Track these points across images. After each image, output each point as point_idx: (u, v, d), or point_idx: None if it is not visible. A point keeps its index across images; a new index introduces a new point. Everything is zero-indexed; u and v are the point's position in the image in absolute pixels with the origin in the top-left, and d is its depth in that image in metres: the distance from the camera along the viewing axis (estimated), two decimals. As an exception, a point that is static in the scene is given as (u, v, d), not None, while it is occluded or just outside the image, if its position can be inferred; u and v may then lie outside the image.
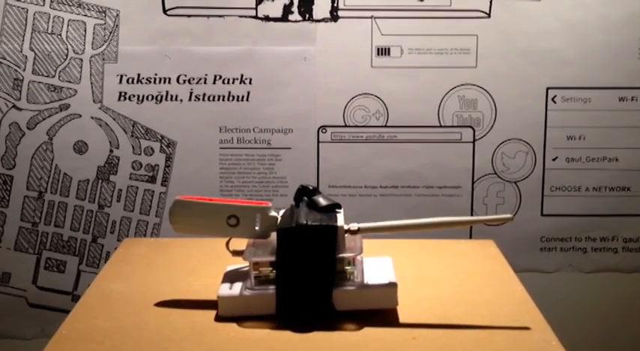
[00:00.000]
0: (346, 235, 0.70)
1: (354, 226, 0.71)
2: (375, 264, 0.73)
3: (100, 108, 1.21)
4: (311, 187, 0.75)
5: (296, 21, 1.20)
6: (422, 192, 1.26)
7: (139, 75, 1.21)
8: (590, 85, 1.23)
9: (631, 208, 1.27)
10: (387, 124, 1.24)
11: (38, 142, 1.22)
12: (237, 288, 0.70)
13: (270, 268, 0.69)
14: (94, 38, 1.19)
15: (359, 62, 1.22)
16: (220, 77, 1.21)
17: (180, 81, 1.21)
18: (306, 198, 0.74)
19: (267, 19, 1.20)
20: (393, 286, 0.69)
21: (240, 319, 0.68)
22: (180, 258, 0.86)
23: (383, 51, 1.22)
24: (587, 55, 1.22)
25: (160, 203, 1.24)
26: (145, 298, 0.74)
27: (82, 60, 1.20)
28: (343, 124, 1.24)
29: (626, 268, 1.29)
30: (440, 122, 1.24)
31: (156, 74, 1.21)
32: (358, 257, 0.70)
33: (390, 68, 1.22)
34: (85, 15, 1.19)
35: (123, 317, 0.70)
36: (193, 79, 1.21)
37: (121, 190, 1.24)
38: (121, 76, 1.21)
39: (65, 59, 1.20)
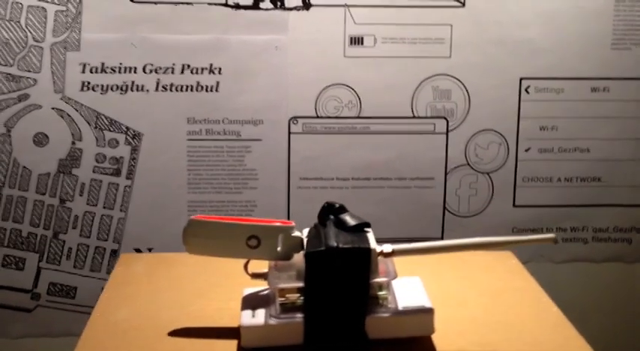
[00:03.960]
0: (379, 257, 0.70)
1: (387, 248, 0.71)
2: (405, 286, 0.74)
3: (61, 98, 1.28)
4: (337, 205, 0.76)
5: (267, 9, 1.28)
6: (394, 184, 1.36)
7: (102, 64, 1.27)
8: (564, 76, 1.35)
9: (601, 199, 1.40)
10: (360, 115, 1.34)
11: (-5, 134, 1.28)
12: (260, 316, 0.70)
13: (298, 295, 0.70)
14: (55, 25, 1.25)
15: (331, 52, 1.31)
16: (188, 67, 1.29)
17: (147, 70, 1.28)
18: (332, 216, 0.75)
19: (237, 6, 1.28)
20: (429, 312, 0.70)
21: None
22: (186, 277, 0.88)
23: (356, 40, 1.31)
24: (561, 46, 1.34)
25: (125, 197, 1.32)
26: (156, 328, 0.74)
27: (42, 48, 1.26)
28: (315, 115, 1.33)
29: (596, 258, 1.42)
30: (413, 113, 1.34)
31: (121, 63, 1.28)
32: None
33: (364, 58, 1.32)
34: (46, 1, 1.24)
35: (135, 351, 0.70)
36: (160, 68, 1.29)
37: (83, 183, 1.31)
38: (84, 65, 1.27)
39: (24, 47, 1.25)
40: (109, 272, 1.33)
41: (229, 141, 1.32)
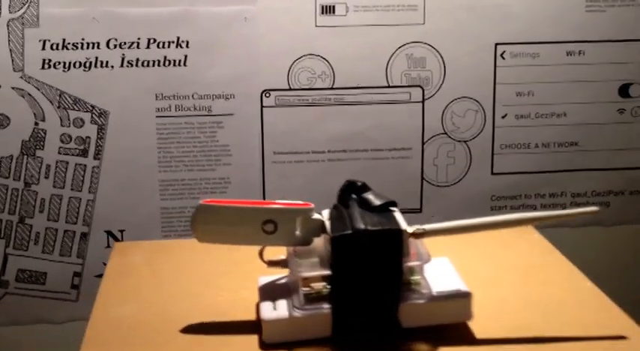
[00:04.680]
0: (410, 239, 0.65)
1: (419, 228, 0.66)
2: (435, 268, 0.68)
3: (21, 77, 1.22)
4: (359, 183, 0.71)
5: (235, -22, 1.23)
6: (371, 155, 1.33)
7: (64, 40, 1.21)
8: (539, 40, 1.33)
9: (579, 163, 1.39)
10: (334, 86, 1.30)
11: (-47, 116, 1.21)
12: (283, 308, 0.65)
13: (323, 283, 0.64)
14: (10, 0, 1.19)
15: (302, 21, 1.27)
16: (154, 41, 1.24)
17: (111, 46, 1.23)
18: (354, 196, 0.69)
19: (203, -24, 1.22)
20: (466, 296, 0.66)
21: (290, 345, 0.64)
22: (189, 266, 0.82)
23: (327, 9, 1.27)
24: (535, 9, 1.31)
25: (94, 178, 1.27)
26: (165, 323, 0.69)
27: (-2, 25, 1.19)
28: (287, 88, 1.29)
29: (574, 223, 1.41)
30: (388, 82, 1.31)
31: (83, 39, 1.22)
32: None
33: (336, 27, 1.28)
34: (0, -25, 1.18)
35: (147, 351, 0.64)
36: (125, 43, 1.23)
37: (49, 165, 1.25)
38: (44, 42, 1.21)
39: (-21, 24, 1.19)
40: (79, 256, 1.29)
41: (200, 116, 1.28)
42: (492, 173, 1.37)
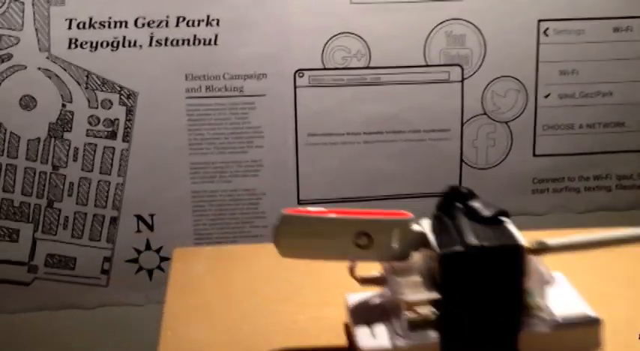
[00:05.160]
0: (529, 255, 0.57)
1: (541, 243, 0.57)
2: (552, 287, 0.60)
3: (47, 58, 1.17)
4: (465, 190, 0.62)
5: (267, -47, 1.18)
6: (408, 137, 1.28)
7: (91, 19, 1.17)
8: (584, 16, 1.26)
9: (625, 144, 1.32)
10: (370, 66, 1.24)
11: (-22, 98, 1.18)
12: (383, 336, 0.57)
13: (430, 307, 0.56)
14: (36, -22, 1.15)
15: (337, -3, 1.21)
16: (184, 19, 1.19)
17: (139, 24, 1.18)
18: (459, 204, 0.61)
19: (234, -49, 1.17)
20: (596, 324, 0.57)
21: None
22: (260, 277, 0.74)
23: (364, -16, 1.21)
24: (581, -17, 1.25)
25: (123, 161, 1.23)
26: (241, 346, 0.61)
27: (23, 3, 1.15)
28: (322, 67, 1.23)
29: (620, 206, 1.35)
30: (426, 61, 1.25)
31: (110, 17, 1.17)
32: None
33: (372, 4, 1.22)
34: (25, -49, 1.13)
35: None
36: (153, 22, 1.18)
37: (77, 148, 1.21)
38: (71, 21, 1.17)
39: (3, 3, 1.15)
40: (108, 241, 1.25)
41: (231, 97, 1.23)
42: (534, 155, 1.31)
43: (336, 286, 0.64)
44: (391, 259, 0.59)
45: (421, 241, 0.58)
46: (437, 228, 0.58)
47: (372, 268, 0.60)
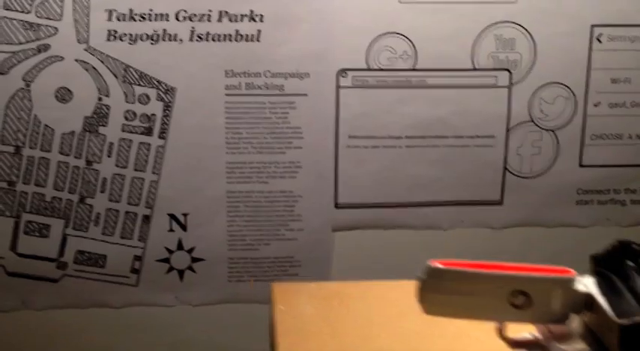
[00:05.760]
0: None
1: None
2: None
3: (85, 49, 1.14)
4: (636, 246, 0.56)
5: (315, -52, 1.14)
6: (451, 142, 1.23)
7: (131, 11, 1.13)
8: (639, 23, 1.21)
9: (675, 158, 1.28)
10: (416, 68, 1.20)
11: (13, 88, 1.14)
12: None
13: None
14: (77, -33, 1.11)
15: (385, -4, 1.17)
16: (226, 14, 1.15)
17: (180, 18, 1.14)
18: (630, 263, 0.54)
19: (281, -55, 1.13)
20: None
21: None
22: (375, 321, 0.67)
23: (413, -17, 1.16)
24: (638, -11, 1.20)
25: (158, 158, 1.19)
26: None
27: (63, -7, 1.11)
28: (366, 68, 1.19)
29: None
30: (474, 65, 1.20)
31: (151, 10, 1.13)
32: None
33: (420, 4, 1.17)
34: (67, -61, 1.10)
35: None
36: (195, 15, 1.14)
37: (112, 143, 1.18)
38: (110, 12, 1.13)
39: (43, -8, 1.11)
40: (140, 239, 1.21)
41: (272, 96, 1.19)
42: (580, 165, 1.27)
43: (459, 334, 0.58)
44: (548, 322, 0.54)
45: (586, 303, 0.53)
46: (605, 289, 0.53)
47: (523, 329, 0.55)
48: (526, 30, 1.20)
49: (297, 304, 0.71)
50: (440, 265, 0.54)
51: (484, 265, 0.54)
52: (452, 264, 0.54)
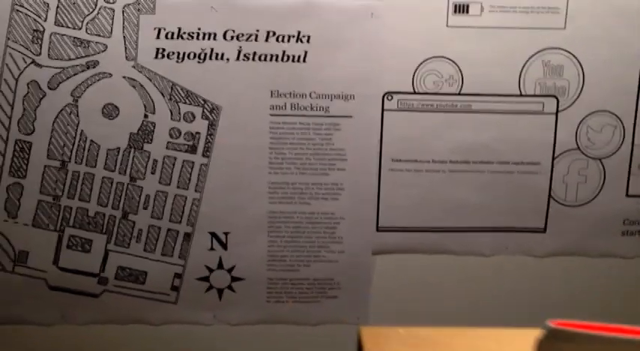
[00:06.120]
0: None
1: None
2: None
3: (133, 66, 1.15)
4: None
5: (364, -30, 1.14)
6: (495, 168, 1.22)
7: (179, 29, 1.14)
8: (691, 52, 1.19)
9: None
10: (461, 92, 1.19)
11: (61, 104, 1.15)
12: None
13: None
14: (128, -15, 1.12)
15: (433, 20, 1.16)
16: (274, 34, 1.15)
17: (228, 37, 1.15)
18: None
19: (330, -33, 1.13)
20: None
21: None
22: None
23: (461, 8, 1.16)
24: (690, 18, 1.18)
25: (201, 176, 1.19)
26: None
27: (113, 10, 1.12)
28: (412, 91, 1.19)
29: None
30: (520, 91, 1.19)
31: (199, 29, 1.14)
32: None
33: (468, 28, 1.17)
34: (119, -42, 1.11)
35: None
36: (243, 35, 1.15)
37: (156, 160, 1.18)
38: (159, 30, 1.14)
39: (94, 8, 1.12)
40: (181, 257, 1.22)
41: (316, 117, 1.19)
42: (627, 195, 1.24)
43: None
44: None
45: None
46: None
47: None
48: (574, 57, 1.19)
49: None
50: (560, 327, 0.51)
51: (604, 328, 0.50)
52: (572, 325, 0.51)
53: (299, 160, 1.20)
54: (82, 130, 1.16)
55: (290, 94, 1.18)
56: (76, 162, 1.17)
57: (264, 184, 1.20)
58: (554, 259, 1.26)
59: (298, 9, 1.14)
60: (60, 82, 1.14)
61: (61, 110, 1.15)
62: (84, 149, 1.17)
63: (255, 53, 1.16)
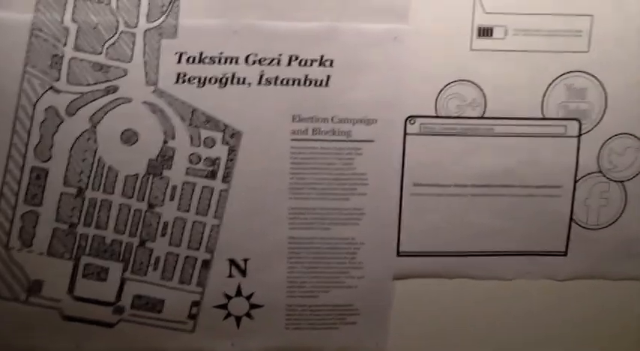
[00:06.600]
0: None
1: None
2: None
3: (153, 91, 1.13)
4: None
5: (388, -6, 1.13)
6: (517, 192, 1.22)
7: (201, 53, 1.13)
8: None
9: None
10: (484, 116, 1.19)
11: (79, 130, 1.13)
12: None
13: None
14: (149, 9, 1.11)
15: (457, 44, 1.16)
16: (297, 58, 1.14)
17: (250, 61, 1.14)
18: None
19: (354, -10, 1.13)
20: None
21: None
22: None
23: (485, 32, 1.16)
24: None
25: (221, 202, 1.18)
26: None
27: (134, 34, 1.11)
28: (434, 115, 1.18)
29: None
30: (543, 114, 1.20)
31: (221, 53, 1.13)
32: None
33: (492, 51, 1.17)
34: (140, -19, 1.10)
35: None
36: (265, 59, 1.14)
37: (175, 186, 1.17)
38: (180, 55, 1.13)
39: (114, 33, 1.11)
40: (199, 284, 1.20)
41: (338, 142, 1.18)
42: (648, 218, 1.25)
43: None
44: None
45: None
46: None
47: None
48: (598, 80, 1.19)
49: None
50: None
51: None
52: None
53: (320, 185, 1.19)
54: (100, 157, 1.14)
55: (312, 118, 1.17)
56: (93, 189, 1.16)
57: (284, 210, 1.19)
58: (576, 282, 1.27)
59: (321, 33, 1.14)
60: (78, 108, 1.13)
61: (79, 136, 1.13)
62: (101, 176, 1.15)
63: (277, 77, 1.15)
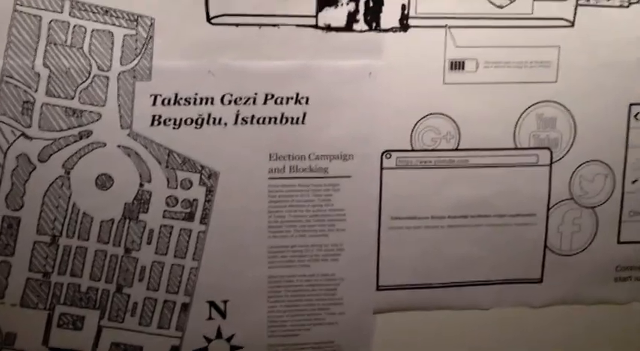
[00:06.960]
0: None
1: None
2: None
3: (128, 134, 1.12)
4: None
5: (361, 31, 1.14)
6: (493, 221, 1.24)
7: (176, 95, 1.12)
8: (674, 101, 1.25)
9: None
10: (459, 148, 1.21)
11: (52, 176, 1.11)
12: None
13: None
14: (122, 52, 1.09)
15: (430, 78, 1.18)
16: (272, 96, 1.15)
17: (225, 101, 1.14)
18: None
19: (328, 28, 1.14)
20: None
21: None
22: None
23: (457, 65, 1.18)
24: (673, 68, 1.24)
25: (199, 244, 1.17)
26: None
27: (107, 78, 1.10)
28: (410, 148, 1.20)
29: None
30: (515, 144, 1.22)
31: (196, 94, 1.13)
32: None
33: (464, 84, 1.19)
34: (113, 24, 1.08)
35: None
36: (240, 98, 1.14)
37: (152, 230, 1.15)
38: (155, 97, 1.12)
39: (87, 77, 1.09)
40: (178, 328, 1.19)
41: (315, 179, 1.18)
42: (619, 242, 1.29)
43: None
44: None
45: None
46: None
47: None
48: (567, 109, 1.23)
49: None
50: None
51: None
52: None
53: (299, 222, 1.19)
54: (74, 203, 1.12)
55: (289, 156, 1.17)
56: (67, 236, 1.13)
57: (263, 249, 1.19)
58: (551, 308, 1.29)
59: (296, 70, 1.14)
60: (51, 154, 1.11)
61: (52, 183, 1.11)
62: (76, 222, 1.13)
63: (253, 116, 1.15)
